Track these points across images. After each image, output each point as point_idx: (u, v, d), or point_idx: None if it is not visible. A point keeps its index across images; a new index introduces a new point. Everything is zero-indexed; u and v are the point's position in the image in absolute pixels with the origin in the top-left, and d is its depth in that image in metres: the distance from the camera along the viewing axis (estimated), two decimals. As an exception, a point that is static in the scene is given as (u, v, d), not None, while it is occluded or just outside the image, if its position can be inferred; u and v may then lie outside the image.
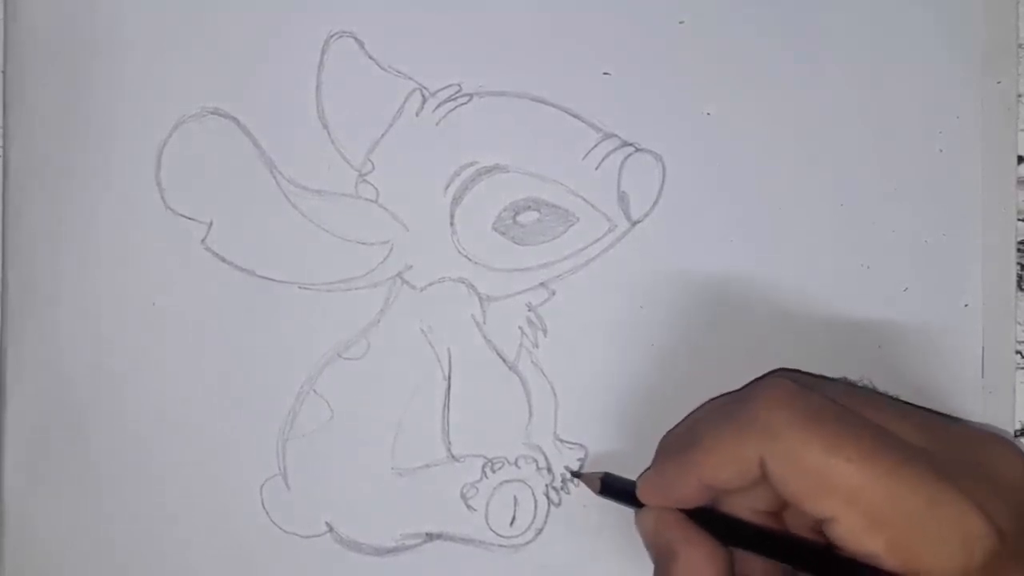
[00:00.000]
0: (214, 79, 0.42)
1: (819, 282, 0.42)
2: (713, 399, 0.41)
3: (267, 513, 0.42)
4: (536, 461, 0.42)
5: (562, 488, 0.42)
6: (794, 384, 0.36)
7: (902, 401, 0.41)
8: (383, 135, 0.42)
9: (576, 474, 0.42)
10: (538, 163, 0.42)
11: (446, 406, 0.42)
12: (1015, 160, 0.43)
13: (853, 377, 0.42)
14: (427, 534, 0.42)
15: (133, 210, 0.42)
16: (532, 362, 0.42)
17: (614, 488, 0.40)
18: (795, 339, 0.42)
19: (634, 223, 0.42)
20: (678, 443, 0.38)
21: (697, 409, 0.40)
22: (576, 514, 0.42)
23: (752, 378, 0.42)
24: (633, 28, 0.42)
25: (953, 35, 0.43)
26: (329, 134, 0.42)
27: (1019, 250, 0.43)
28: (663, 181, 0.42)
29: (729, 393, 0.40)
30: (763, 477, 0.35)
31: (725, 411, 0.36)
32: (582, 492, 0.42)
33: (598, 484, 0.40)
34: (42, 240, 0.42)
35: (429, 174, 0.42)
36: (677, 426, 0.40)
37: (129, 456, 0.42)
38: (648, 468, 0.39)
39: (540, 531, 0.42)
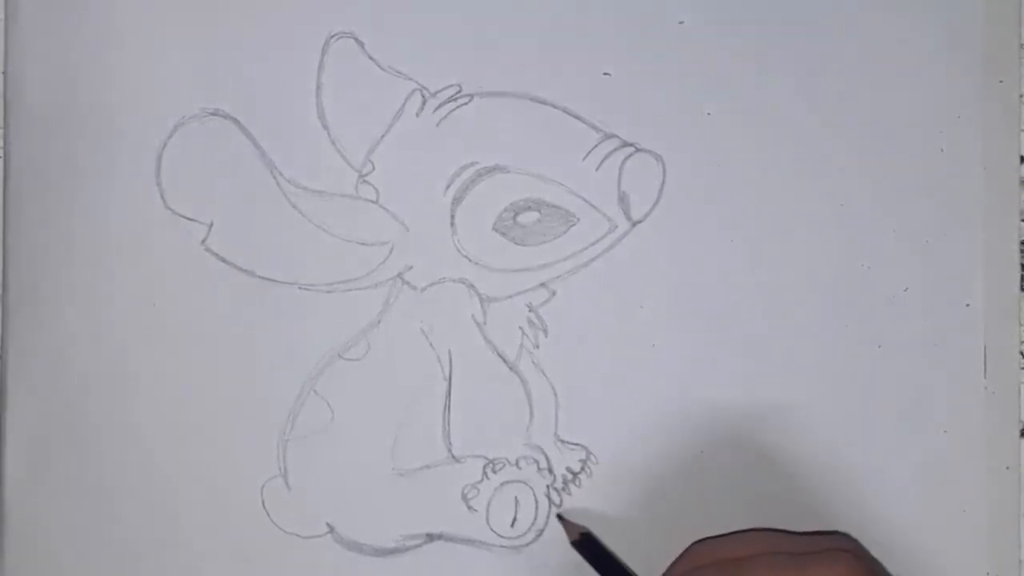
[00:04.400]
0: (214, 79, 0.42)
1: (819, 282, 0.42)
2: (763, 533, 0.39)
3: (267, 513, 0.42)
4: (537, 462, 0.42)
5: (563, 489, 0.42)
6: (859, 563, 0.35)
7: None
8: (383, 135, 0.42)
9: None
10: (538, 163, 0.42)
11: (447, 407, 0.42)
12: (1017, 160, 0.42)
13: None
14: (428, 535, 0.42)
15: (133, 210, 0.42)
16: (532, 362, 0.42)
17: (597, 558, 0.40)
18: (795, 339, 0.42)
19: (634, 223, 0.42)
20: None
21: (742, 537, 0.38)
22: (577, 515, 0.42)
23: (750, 377, 0.42)
24: (633, 28, 0.42)
25: (954, 35, 0.42)
26: (329, 134, 0.42)
27: (1022, 250, 0.42)
28: (663, 181, 0.42)
29: (778, 532, 0.39)
30: None
31: (780, 569, 0.35)
32: (583, 493, 0.42)
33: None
34: (42, 241, 0.42)
35: (429, 174, 0.42)
36: (717, 543, 0.38)
37: (129, 456, 0.42)
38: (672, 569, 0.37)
39: (541, 532, 0.42)
